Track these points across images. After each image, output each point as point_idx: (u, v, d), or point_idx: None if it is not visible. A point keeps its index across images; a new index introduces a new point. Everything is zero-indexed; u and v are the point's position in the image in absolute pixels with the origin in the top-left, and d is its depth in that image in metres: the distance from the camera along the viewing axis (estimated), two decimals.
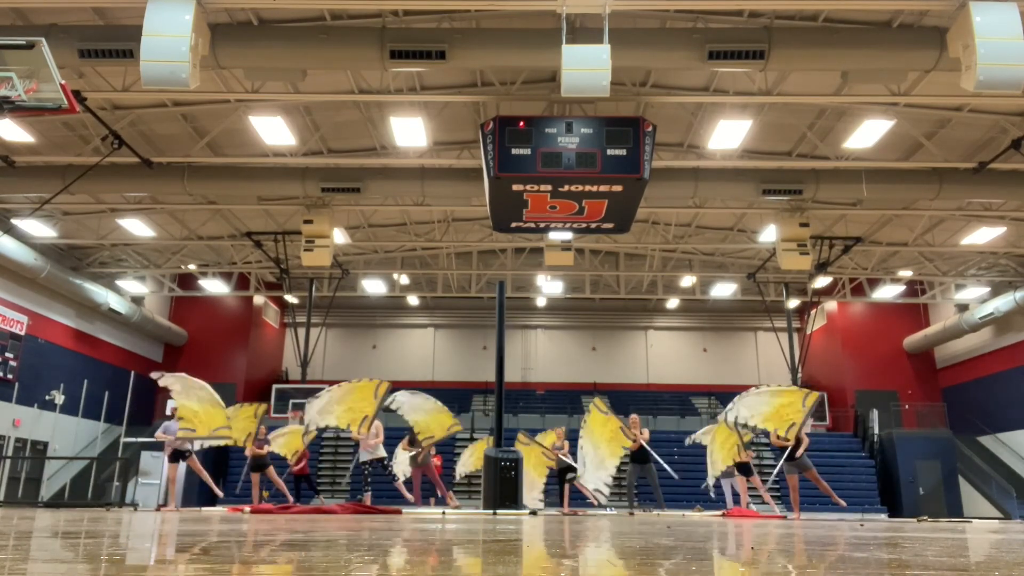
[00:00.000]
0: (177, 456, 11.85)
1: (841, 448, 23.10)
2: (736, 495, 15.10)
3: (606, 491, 13.10)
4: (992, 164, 14.25)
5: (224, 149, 15.78)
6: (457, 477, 15.77)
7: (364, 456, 12.07)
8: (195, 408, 11.58)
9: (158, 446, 20.37)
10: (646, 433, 13.30)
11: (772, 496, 18.23)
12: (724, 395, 28.13)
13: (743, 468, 13.80)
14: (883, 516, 19.38)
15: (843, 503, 12.96)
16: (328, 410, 11.77)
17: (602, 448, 12.81)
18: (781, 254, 16.69)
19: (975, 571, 2.51)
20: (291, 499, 13.08)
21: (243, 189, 16.29)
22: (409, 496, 13.44)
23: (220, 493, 13.45)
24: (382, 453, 12.20)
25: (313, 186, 15.34)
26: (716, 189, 15.73)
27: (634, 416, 13.65)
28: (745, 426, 12.55)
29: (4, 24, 11.01)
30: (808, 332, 26.44)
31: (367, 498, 11.91)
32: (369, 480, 12.08)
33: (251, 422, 12.73)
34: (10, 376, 18.63)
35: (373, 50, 10.46)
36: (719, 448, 13.13)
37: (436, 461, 14.06)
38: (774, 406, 12.07)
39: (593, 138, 11.07)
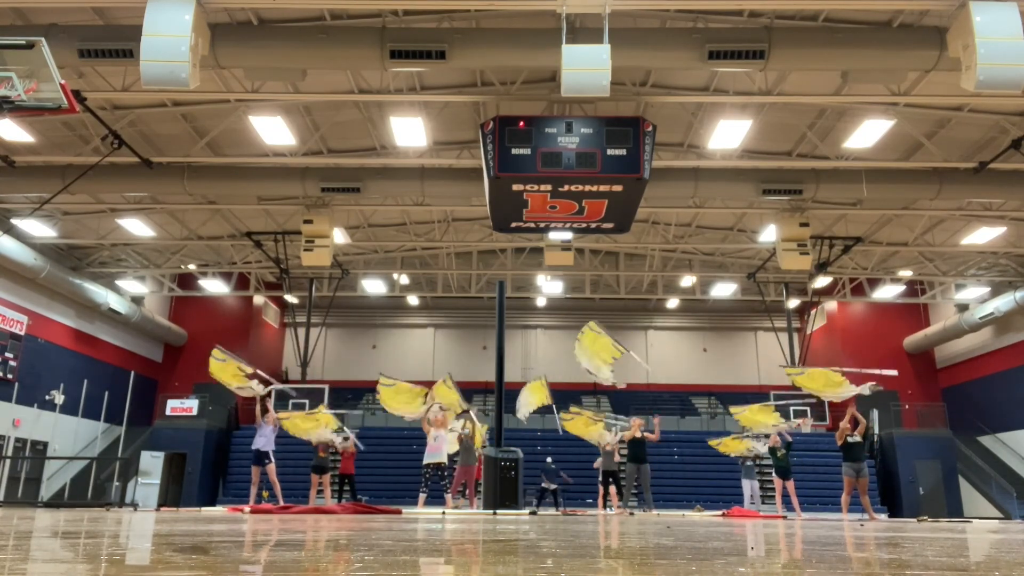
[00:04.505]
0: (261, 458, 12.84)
1: None
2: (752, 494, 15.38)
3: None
4: (992, 164, 14.24)
5: (224, 149, 15.77)
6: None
7: (426, 459, 12.32)
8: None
9: (155, 446, 20.42)
10: (657, 434, 13.72)
11: (768, 496, 18.35)
12: (724, 395, 28.13)
13: (782, 472, 14.07)
14: (883, 516, 19.35)
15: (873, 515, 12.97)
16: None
17: (595, 360, 13.47)
18: (781, 254, 16.69)
19: (975, 571, 2.51)
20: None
21: (243, 189, 16.29)
22: (466, 502, 13.36)
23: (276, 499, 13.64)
24: (443, 459, 12.38)
25: (313, 186, 15.34)
26: (716, 189, 15.74)
27: (636, 419, 13.93)
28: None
29: (4, 24, 11.00)
30: (808, 332, 26.42)
31: (421, 500, 12.37)
32: (427, 483, 12.39)
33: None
34: (10, 376, 18.63)
35: (373, 50, 10.46)
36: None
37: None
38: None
39: (593, 138, 11.07)
